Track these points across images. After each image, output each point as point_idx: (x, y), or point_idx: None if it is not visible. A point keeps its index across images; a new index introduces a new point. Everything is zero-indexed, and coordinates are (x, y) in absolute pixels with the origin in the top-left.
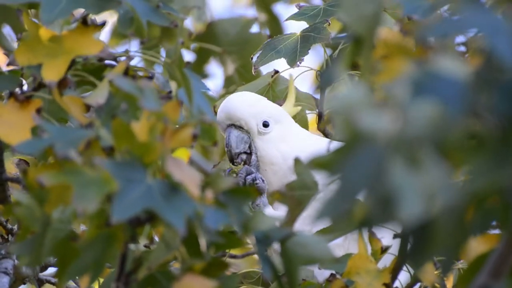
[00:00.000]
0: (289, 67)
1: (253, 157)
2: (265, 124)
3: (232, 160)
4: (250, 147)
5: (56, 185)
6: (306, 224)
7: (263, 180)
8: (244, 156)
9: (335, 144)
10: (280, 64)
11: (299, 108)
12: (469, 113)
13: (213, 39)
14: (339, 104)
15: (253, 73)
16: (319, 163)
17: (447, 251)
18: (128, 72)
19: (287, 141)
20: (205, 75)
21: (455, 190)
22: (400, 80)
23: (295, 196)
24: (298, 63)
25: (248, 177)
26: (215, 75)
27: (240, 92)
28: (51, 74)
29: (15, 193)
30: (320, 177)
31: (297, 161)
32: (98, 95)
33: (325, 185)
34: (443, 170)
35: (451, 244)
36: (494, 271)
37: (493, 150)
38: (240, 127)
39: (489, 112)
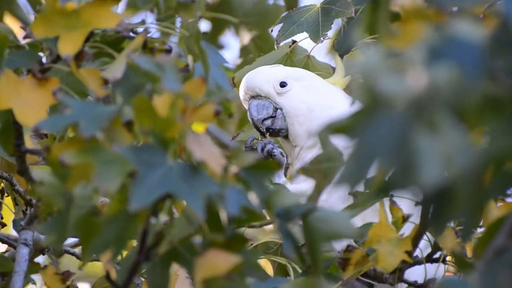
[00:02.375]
0: (306, 36)
1: (278, 111)
2: (283, 85)
3: (257, 128)
4: (275, 111)
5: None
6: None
7: (282, 154)
8: (269, 122)
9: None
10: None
11: (348, 79)
12: (486, 76)
13: (228, 9)
14: (357, 70)
15: (276, 48)
16: (338, 128)
17: (466, 216)
18: (147, 45)
19: (311, 94)
20: (220, 46)
21: (474, 154)
22: (418, 44)
23: (322, 169)
24: (321, 38)
25: (267, 146)
26: (230, 46)
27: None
28: (68, 47)
29: (36, 172)
30: (341, 143)
31: (321, 132)
32: (116, 69)
33: (346, 150)
34: (461, 133)
35: (471, 208)
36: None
37: (510, 113)
38: (259, 96)
39: (506, 75)
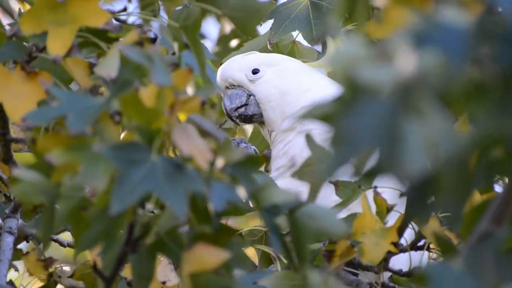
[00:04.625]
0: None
1: (251, 98)
2: (255, 71)
3: (231, 118)
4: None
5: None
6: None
7: (255, 151)
8: (242, 109)
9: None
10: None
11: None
12: (471, 62)
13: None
14: (337, 59)
15: (269, 47)
16: (318, 114)
17: (452, 204)
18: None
19: (284, 78)
20: (201, 36)
21: (459, 140)
22: (402, 31)
23: (314, 171)
24: (315, 40)
25: (240, 145)
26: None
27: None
28: (57, 45)
29: (15, 170)
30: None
31: (308, 137)
32: (110, 66)
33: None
34: (446, 120)
35: (456, 196)
36: (495, 218)
37: (495, 98)
38: (233, 86)
39: (491, 61)
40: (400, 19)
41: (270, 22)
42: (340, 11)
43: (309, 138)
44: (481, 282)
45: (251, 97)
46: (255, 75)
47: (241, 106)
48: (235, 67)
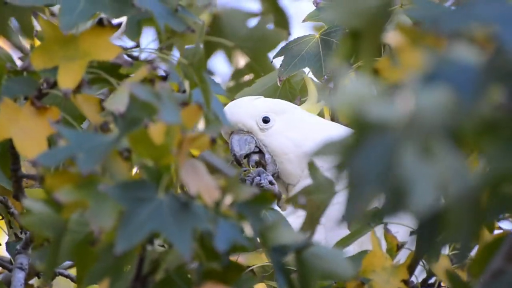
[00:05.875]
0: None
1: (267, 155)
2: (265, 120)
3: (239, 164)
4: (258, 147)
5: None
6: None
7: (271, 182)
8: (256, 157)
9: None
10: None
11: (321, 105)
12: (482, 99)
13: (219, 34)
14: (344, 98)
15: (278, 84)
16: (330, 152)
17: (461, 240)
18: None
19: (295, 128)
20: (210, 72)
21: (470, 179)
22: (415, 72)
23: (313, 200)
24: (325, 76)
25: (255, 180)
26: (219, 70)
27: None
28: (67, 80)
29: (26, 201)
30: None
31: (311, 164)
32: (119, 102)
33: (336, 178)
34: (457, 158)
35: (466, 232)
36: (509, 255)
37: (506, 136)
38: (241, 131)
39: (502, 98)
40: (414, 61)
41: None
42: (344, 51)
43: (311, 166)
44: None
45: (266, 155)
46: (266, 124)
47: (255, 153)
48: (245, 113)
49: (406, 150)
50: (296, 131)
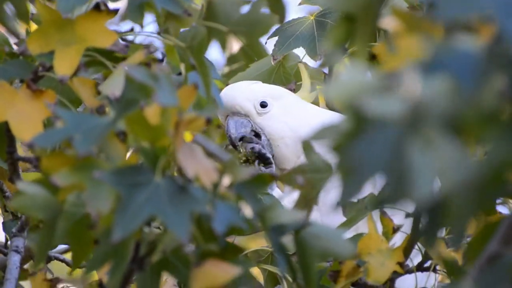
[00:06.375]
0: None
1: (263, 137)
2: (263, 104)
3: (234, 146)
4: (254, 131)
5: None
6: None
7: (269, 160)
8: (252, 140)
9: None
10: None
11: (315, 93)
12: (482, 88)
13: (214, 19)
14: (340, 87)
15: (273, 63)
16: (327, 137)
17: (458, 225)
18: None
19: (291, 114)
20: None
21: (470, 168)
22: (413, 60)
23: (307, 179)
24: (319, 56)
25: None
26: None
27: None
28: (64, 65)
29: (20, 184)
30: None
31: (306, 143)
32: (114, 85)
33: (334, 163)
34: (457, 147)
35: (463, 219)
36: (505, 239)
37: (508, 124)
38: (238, 114)
39: (502, 86)
40: (412, 49)
41: (275, 40)
42: (338, 35)
43: (306, 146)
44: None
45: (263, 137)
46: (263, 108)
47: (251, 137)
48: (243, 97)
49: (407, 138)
50: (292, 116)
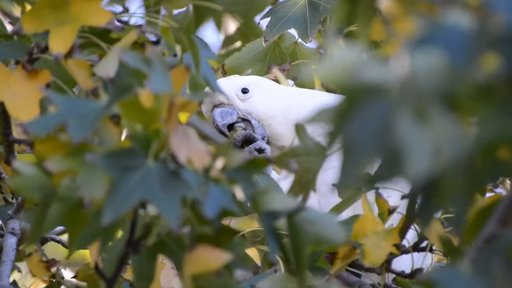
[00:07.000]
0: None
1: (253, 121)
2: (244, 91)
3: (222, 132)
4: (242, 117)
5: None
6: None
7: (261, 148)
8: (242, 125)
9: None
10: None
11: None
12: (476, 64)
13: None
14: (334, 63)
15: (264, 45)
16: (324, 118)
17: (456, 205)
18: (138, 40)
19: (274, 94)
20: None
21: (464, 143)
22: (408, 38)
23: (301, 162)
24: (310, 37)
25: (252, 145)
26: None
27: None
28: (59, 44)
29: (16, 163)
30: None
31: (298, 127)
32: (108, 67)
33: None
34: (451, 122)
35: (460, 198)
36: (502, 220)
37: (501, 99)
38: (222, 105)
39: (496, 63)
40: (406, 26)
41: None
42: (341, 15)
43: (299, 128)
44: (490, 286)
45: (253, 121)
46: (245, 94)
47: (241, 123)
48: (225, 85)
49: (401, 115)
50: (275, 96)
